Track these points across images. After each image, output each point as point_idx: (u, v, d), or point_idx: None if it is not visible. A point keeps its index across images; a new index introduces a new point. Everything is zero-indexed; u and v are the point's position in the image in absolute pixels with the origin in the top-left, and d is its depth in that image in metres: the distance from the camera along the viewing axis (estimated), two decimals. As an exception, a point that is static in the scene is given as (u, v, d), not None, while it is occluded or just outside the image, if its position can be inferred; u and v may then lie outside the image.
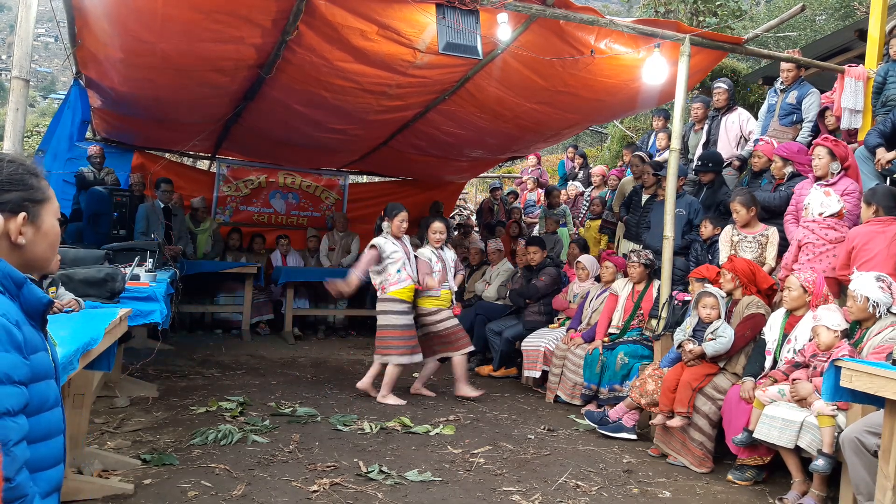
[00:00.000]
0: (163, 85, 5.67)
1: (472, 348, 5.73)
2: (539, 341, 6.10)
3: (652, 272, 5.49)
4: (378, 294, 5.51)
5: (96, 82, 5.91)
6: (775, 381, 3.84)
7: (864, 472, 3.01)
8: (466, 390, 5.59)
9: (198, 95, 5.98)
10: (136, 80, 5.63)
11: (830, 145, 4.67)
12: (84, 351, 2.55)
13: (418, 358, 5.45)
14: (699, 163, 6.18)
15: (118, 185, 7.30)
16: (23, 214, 1.34)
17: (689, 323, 4.46)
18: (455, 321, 5.62)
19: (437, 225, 5.72)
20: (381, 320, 5.43)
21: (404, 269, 5.39)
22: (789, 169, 5.21)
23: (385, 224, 5.51)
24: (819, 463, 3.38)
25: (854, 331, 3.67)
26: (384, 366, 5.42)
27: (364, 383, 5.49)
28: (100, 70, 5.63)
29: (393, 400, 5.29)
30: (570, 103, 6.30)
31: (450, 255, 5.79)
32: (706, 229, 5.42)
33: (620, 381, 5.14)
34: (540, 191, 10.70)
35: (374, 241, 5.47)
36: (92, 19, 4.72)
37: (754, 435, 3.69)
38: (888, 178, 5.08)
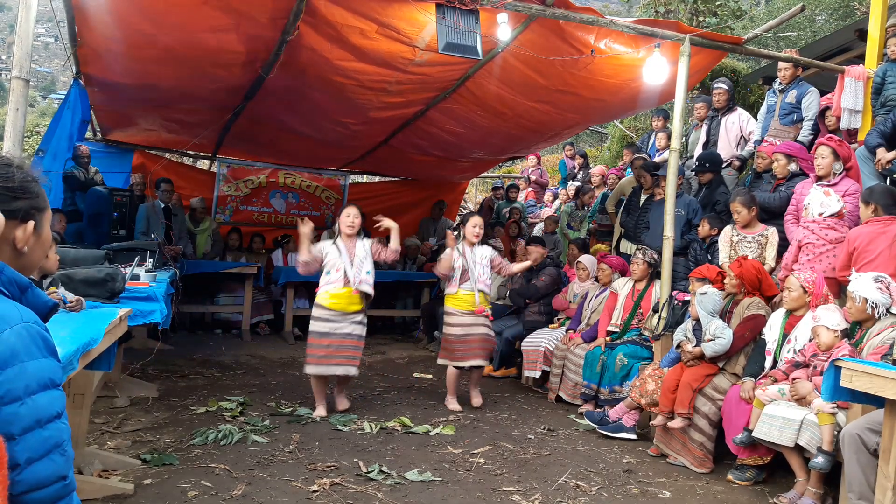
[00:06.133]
0: (165, 77, 5.68)
1: (467, 364, 5.21)
2: (539, 341, 6.09)
3: (654, 272, 5.49)
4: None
5: (98, 78, 5.91)
6: (775, 381, 3.83)
7: (860, 470, 3.00)
8: (454, 404, 5.26)
9: (199, 86, 5.97)
10: (139, 72, 5.64)
11: (835, 145, 4.65)
12: (84, 351, 2.55)
13: (327, 370, 4.84)
14: (697, 164, 6.19)
15: (104, 184, 7.30)
16: (32, 223, 1.35)
17: (689, 323, 4.46)
18: (465, 330, 5.19)
19: (476, 219, 5.34)
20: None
21: (335, 270, 4.88)
22: (793, 166, 5.20)
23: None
24: (818, 460, 3.38)
25: (854, 331, 3.67)
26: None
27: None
28: (101, 65, 5.62)
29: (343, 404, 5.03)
30: (570, 103, 6.30)
31: (479, 253, 5.28)
32: (703, 229, 5.42)
33: (620, 382, 5.13)
34: (530, 190, 10.68)
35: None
36: (92, 15, 4.72)
37: (754, 434, 3.68)
38: (888, 179, 5.08)
